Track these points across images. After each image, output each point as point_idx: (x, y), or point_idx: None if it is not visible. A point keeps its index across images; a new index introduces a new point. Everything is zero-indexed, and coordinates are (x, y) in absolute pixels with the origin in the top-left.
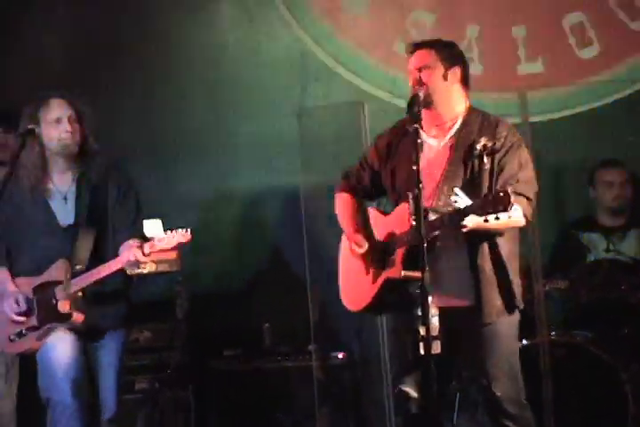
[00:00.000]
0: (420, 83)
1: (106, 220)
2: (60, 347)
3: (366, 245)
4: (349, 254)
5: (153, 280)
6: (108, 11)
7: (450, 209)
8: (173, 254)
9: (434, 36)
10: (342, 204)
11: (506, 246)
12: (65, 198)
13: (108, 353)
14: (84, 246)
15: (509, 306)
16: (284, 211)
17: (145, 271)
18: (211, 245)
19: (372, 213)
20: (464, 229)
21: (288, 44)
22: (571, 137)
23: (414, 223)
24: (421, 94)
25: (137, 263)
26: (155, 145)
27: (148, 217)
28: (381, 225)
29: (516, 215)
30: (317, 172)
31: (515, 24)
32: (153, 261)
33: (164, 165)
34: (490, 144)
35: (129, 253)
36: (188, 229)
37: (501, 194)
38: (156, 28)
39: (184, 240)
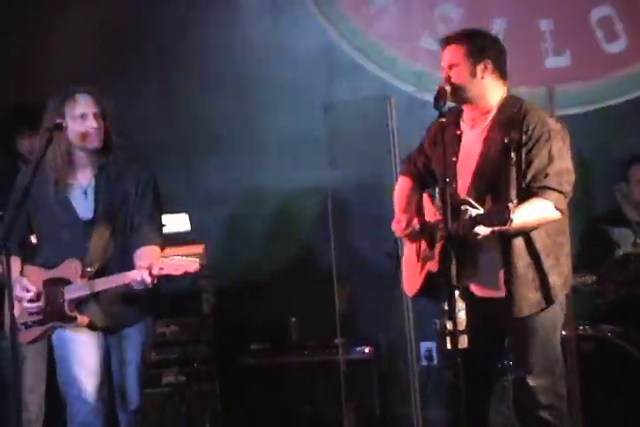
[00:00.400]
0: (449, 80)
1: (125, 215)
2: (77, 342)
3: (403, 230)
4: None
5: None
6: (132, 5)
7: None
8: (200, 249)
9: None
10: (399, 187)
11: (542, 240)
12: (85, 193)
13: (132, 347)
14: (99, 244)
15: (545, 299)
16: (311, 206)
17: None
18: (238, 239)
19: (426, 200)
20: (478, 237)
21: (315, 38)
22: (597, 131)
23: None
24: (448, 88)
25: (143, 283)
26: (183, 142)
27: (176, 213)
28: (431, 213)
29: (525, 220)
30: (345, 166)
31: (542, 17)
32: (180, 255)
33: (192, 161)
34: (517, 137)
35: (138, 273)
36: (197, 261)
37: (501, 209)
38: (182, 25)
39: (192, 271)
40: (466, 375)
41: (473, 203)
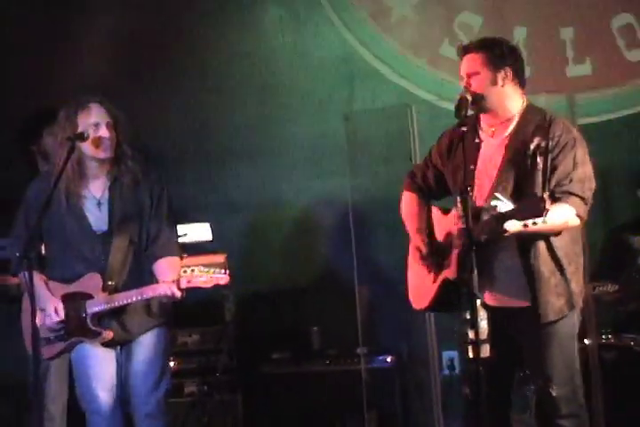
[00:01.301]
0: (469, 89)
1: (140, 225)
2: (94, 357)
3: (426, 248)
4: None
5: None
6: (154, 15)
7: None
8: (222, 258)
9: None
10: (407, 203)
11: (564, 246)
12: (99, 205)
13: (145, 349)
14: (117, 257)
15: (568, 305)
16: (332, 214)
17: None
18: (259, 248)
19: (435, 212)
20: (505, 234)
21: (335, 46)
22: (619, 139)
23: (463, 225)
24: (469, 97)
25: (173, 297)
26: (203, 149)
27: (197, 221)
28: (442, 224)
29: (554, 219)
30: (365, 174)
31: (563, 25)
32: (203, 264)
33: (212, 168)
34: (543, 144)
35: (166, 287)
36: (227, 271)
37: (536, 199)
38: (201, 31)
39: (223, 283)
40: (486, 386)
41: (502, 198)
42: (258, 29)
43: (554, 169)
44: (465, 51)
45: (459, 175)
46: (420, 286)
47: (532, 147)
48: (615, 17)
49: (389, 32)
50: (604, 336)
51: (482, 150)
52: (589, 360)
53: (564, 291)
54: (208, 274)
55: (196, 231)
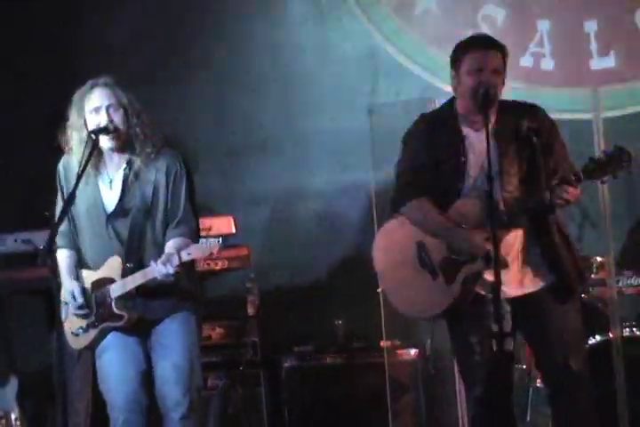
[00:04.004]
0: (495, 84)
1: (157, 206)
2: (115, 350)
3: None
4: (399, 263)
5: (225, 277)
6: (178, 9)
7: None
8: (245, 251)
9: (505, 32)
10: (426, 211)
11: (566, 225)
12: (110, 184)
13: (167, 335)
14: (136, 239)
15: (580, 278)
16: (355, 208)
17: (217, 268)
18: (282, 242)
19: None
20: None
21: (358, 40)
22: None
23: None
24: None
25: (169, 275)
26: (226, 142)
27: (220, 214)
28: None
29: None
30: (389, 168)
31: (586, 18)
32: (225, 258)
33: (235, 162)
34: (534, 125)
35: (161, 265)
36: (220, 240)
37: (621, 151)
38: (226, 25)
39: (214, 251)
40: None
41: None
42: (283, 24)
43: (549, 149)
44: (490, 45)
45: (444, 169)
46: (425, 293)
47: (523, 129)
48: (639, 9)
49: (413, 25)
50: (627, 329)
51: (467, 143)
52: (613, 354)
53: (575, 266)
54: (198, 248)
55: (219, 224)
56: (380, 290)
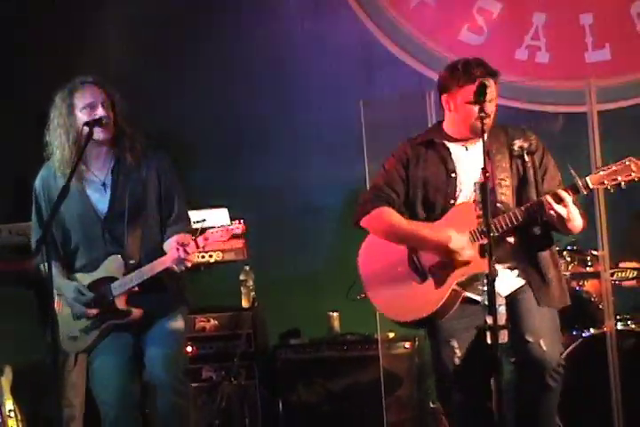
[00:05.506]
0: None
1: (148, 203)
2: (105, 350)
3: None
4: (387, 264)
5: (220, 270)
6: (175, 5)
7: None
8: (240, 243)
9: (500, 25)
10: (388, 216)
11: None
12: (104, 187)
13: (160, 331)
14: (134, 237)
15: (564, 297)
16: (349, 200)
17: (211, 260)
18: (277, 234)
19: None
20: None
21: (354, 33)
22: (638, 125)
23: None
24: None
25: (184, 261)
26: (221, 134)
27: (215, 206)
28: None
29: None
30: (383, 161)
31: (582, 11)
32: (220, 250)
33: (230, 154)
34: (526, 144)
35: (174, 252)
36: (242, 221)
37: (628, 162)
38: (222, 15)
39: (240, 231)
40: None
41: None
42: (276, 15)
43: (544, 169)
44: (495, 75)
45: (432, 185)
46: (411, 297)
47: (516, 148)
48: (635, 3)
49: (408, 18)
50: (622, 323)
51: (458, 160)
52: (607, 347)
53: (560, 285)
54: (221, 228)
55: (214, 217)
56: (359, 297)
